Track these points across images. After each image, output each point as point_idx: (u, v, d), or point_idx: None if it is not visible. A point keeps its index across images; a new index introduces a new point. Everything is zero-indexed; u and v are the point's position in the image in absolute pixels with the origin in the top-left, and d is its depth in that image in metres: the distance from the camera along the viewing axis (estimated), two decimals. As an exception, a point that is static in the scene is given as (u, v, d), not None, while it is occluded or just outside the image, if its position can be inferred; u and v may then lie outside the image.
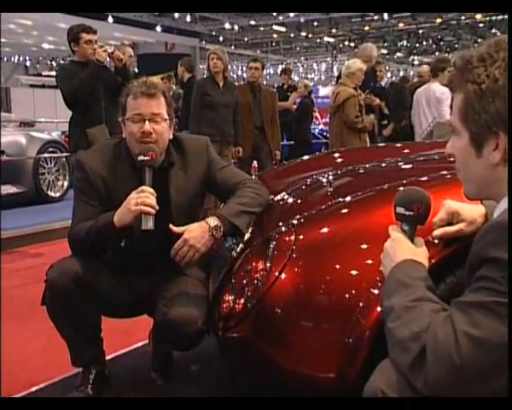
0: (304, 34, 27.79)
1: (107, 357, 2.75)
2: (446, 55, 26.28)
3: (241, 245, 2.31)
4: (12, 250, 5.85)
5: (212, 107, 6.15)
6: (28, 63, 31.74)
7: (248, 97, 6.77)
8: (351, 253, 1.91)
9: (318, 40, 30.55)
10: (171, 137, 2.59)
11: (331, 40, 30.57)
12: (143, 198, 2.30)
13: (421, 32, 28.88)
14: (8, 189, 7.45)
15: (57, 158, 8.46)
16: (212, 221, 2.38)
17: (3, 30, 16.56)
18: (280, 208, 2.48)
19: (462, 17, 25.60)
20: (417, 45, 31.58)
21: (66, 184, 8.53)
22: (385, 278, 1.51)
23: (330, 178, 2.68)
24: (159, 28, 23.20)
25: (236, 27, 26.35)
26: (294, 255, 1.95)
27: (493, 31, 25.59)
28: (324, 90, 30.25)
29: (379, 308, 1.69)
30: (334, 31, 27.67)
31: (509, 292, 1.20)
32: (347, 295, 1.81)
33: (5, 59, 28.30)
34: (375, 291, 1.75)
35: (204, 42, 26.71)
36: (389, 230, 1.59)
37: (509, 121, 1.29)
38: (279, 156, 7.19)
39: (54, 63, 30.57)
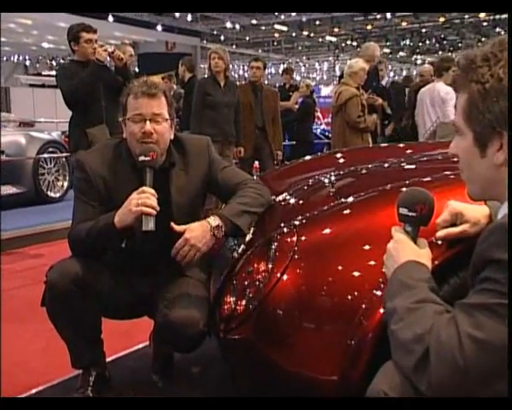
0: (306, 33, 27.84)
1: (108, 359, 2.74)
2: (450, 54, 26.33)
3: (242, 246, 2.30)
4: (12, 251, 5.85)
5: (213, 107, 6.14)
6: (28, 63, 31.77)
7: (250, 97, 6.76)
8: (353, 254, 1.90)
9: (320, 39, 30.57)
10: (172, 137, 2.58)
11: (333, 39, 30.59)
12: (144, 199, 2.29)
13: (424, 31, 28.89)
14: (8, 189, 7.44)
15: (57, 158, 8.46)
16: (214, 221, 2.36)
17: (3, 29, 16.57)
18: (282, 209, 2.47)
19: (466, 16, 25.61)
20: (420, 44, 31.58)
21: (66, 184, 8.52)
22: (388, 279, 1.50)
23: (332, 178, 2.67)
24: (159, 27, 23.25)
25: (238, 26, 26.39)
26: (296, 256, 1.94)
27: (497, 30, 25.60)
28: (326, 90, 30.30)
29: (382, 310, 1.68)
30: (336, 30, 27.70)
31: (509, 292, 1.20)
32: (350, 297, 1.80)
33: (5, 58, 28.32)
34: (378, 293, 1.74)
35: (205, 41, 26.75)
36: (392, 231, 1.58)
37: (509, 121, 1.28)
38: (281, 157, 7.18)
39: (54, 63, 30.60)
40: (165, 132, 2.50)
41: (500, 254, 1.22)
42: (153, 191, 2.33)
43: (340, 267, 1.88)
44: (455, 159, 1.48)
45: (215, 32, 27.70)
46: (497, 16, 24.78)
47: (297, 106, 9.31)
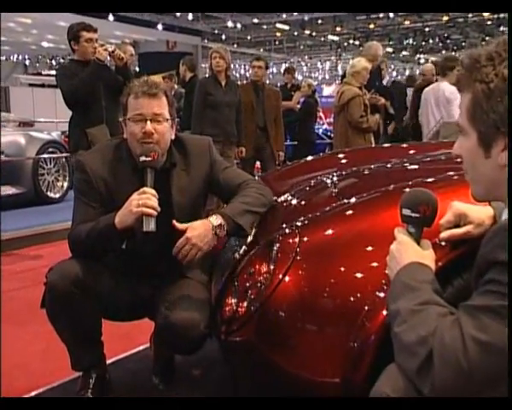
0: (308, 32, 27.83)
1: (108, 361, 2.73)
2: (453, 53, 26.28)
3: (244, 247, 2.29)
4: (11, 252, 5.84)
5: (214, 106, 6.13)
6: (27, 62, 31.80)
7: (251, 97, 6.74)
8: (356, 255, 1.88)
9: (322, 38, 30.53)
10: (173, 137, 2.57)
11: (335, 38, 30.56)
12: (145, 200, 2.28)
13: (427, 29, 28.83)
14: (8, 190, 7.43)
15: (57, 158, 8.45)
16: (216, 220, 2.35)
17: (2, 28, 16.55)
18: (284, 210, 2.47)
19: (470, 15, 25.54)
20: (423, 43, 31.48)
21: (66, 184, 8.51)
22: (391, 281, 1.49)
23: (335, 179, 2.66)
24: (160, 26, 23.25)
25: (239, 25, 26.36)
26: (298, 258, 1.93)
27: (501, 28, 25.55)
28: (328, 90, 30.34)
29: (385, 312, 1.67)
30: (338, 29, 27.67)
31: (508, 293, 1.19)
32: (352, 299, 1.79)
33: (4, 58, 28.37)
34: (381, 294, 1.73)
35: (206, 40, 26.76)
36: (395, 232, 1.56)
37: (509, 121, 1.27)
38: (282, 157, 7.16)
39: (54, 62, 30.61)
40: (166, 132, 2.49)
41: (504, 256, 1.21)
42: (154, 192, 2.32)
43: (342, 269, 1.87)
44: (458, 159, 1.46)
45: (216, 32, 27.70)
46: (502, 15, 24.70)
47: (299, 106, 9.29)
